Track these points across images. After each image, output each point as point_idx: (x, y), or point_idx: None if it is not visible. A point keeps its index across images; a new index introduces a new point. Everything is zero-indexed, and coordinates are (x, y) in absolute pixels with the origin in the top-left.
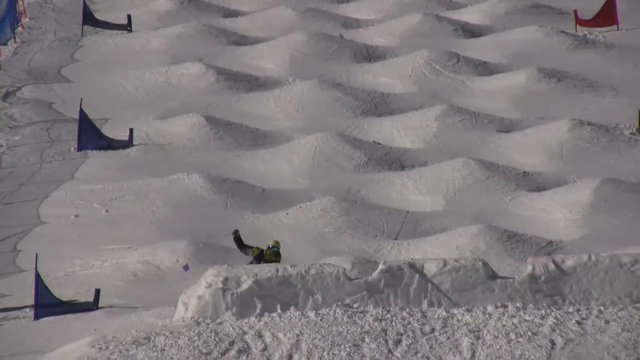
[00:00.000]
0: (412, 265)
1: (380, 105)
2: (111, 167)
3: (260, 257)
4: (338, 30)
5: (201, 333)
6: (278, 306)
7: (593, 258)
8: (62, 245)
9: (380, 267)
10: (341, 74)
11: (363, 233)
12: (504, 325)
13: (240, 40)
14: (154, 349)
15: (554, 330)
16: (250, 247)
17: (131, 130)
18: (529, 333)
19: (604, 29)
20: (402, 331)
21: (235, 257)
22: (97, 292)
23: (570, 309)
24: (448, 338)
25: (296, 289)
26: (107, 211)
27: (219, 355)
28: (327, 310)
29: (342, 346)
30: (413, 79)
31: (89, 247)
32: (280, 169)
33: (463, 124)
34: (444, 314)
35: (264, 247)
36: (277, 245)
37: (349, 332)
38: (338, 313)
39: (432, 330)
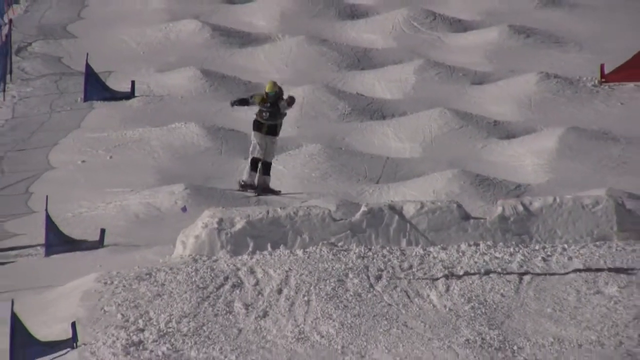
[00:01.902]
0: (392, 207)
1: (362, 59)
2: (115, 117)
3: (263, 101)
4: None
5: (198, 269)
6: (269, 245)
7: (558, 200)
8: (70, 188)
9: (363, 208)
10: (327, 31)
11: (347, 177)
12: (476, 262)
13: None
14: (155, 283)
15: (521, 266)
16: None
17: (133, 83)
18: (499, 269)
19: None
20: (382, 267)
21: (229, 200)
22: (102, 231)
23: (537, 247)
24: (425, 274)
25: (285, 229)
26: (111, 157)
27: (215, 290)
28: (313, 248)
29: (328, 281)
30: (393, 35)
31: (94, 190)
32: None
33: (439, 76)
34: (421, 251)
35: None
36: (272, 89)
37: (334, 268)
38: (324, 251)
39: (410, 267)
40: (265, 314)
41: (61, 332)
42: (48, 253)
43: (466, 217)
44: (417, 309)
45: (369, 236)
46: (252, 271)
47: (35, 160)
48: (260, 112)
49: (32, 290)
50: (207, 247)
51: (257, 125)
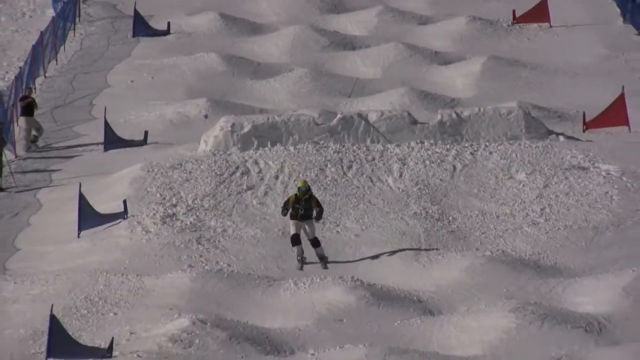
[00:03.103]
0: (360, 115)
1: (338, 6)
2: (155, 48)
3: (297, 199)
4: None
5: (216, 161)
6: (268, 143)
7: (481, 110)
8: (122, 101)
9: (338, 116)
10: None
11: (326, 93)
12: (421, 156)
13: None
14: (184, 171)
15: (455, 158)
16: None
17: (169, 23)
18: (439, 160)
19: None
20: (352, 159)
21: (239, 110)
22: (146, 133)
23: (466, 144)
24: (384, 164)
25: (281, 131)
26: (152, 78)
27: (229, 176)
28: (301, 145)
29: (312, 170)
30: None
31: (140, 102)
32: (270, 49)
33: (395, 19)
34: (381, 147)
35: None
36: (304, 185)
37: (317, 160)
38: (309, 147)
39: (373, 159)
40: (265, 194)
41: (115, 207)
42: (106, 149)
43: (414, 122)
44: (378, 190)
45: (343, 136)
46: (256, 162)
47: (96, 80)
48: (295, 210)
49: (94, 176)
50: (223, 145)
51: (293, 215)
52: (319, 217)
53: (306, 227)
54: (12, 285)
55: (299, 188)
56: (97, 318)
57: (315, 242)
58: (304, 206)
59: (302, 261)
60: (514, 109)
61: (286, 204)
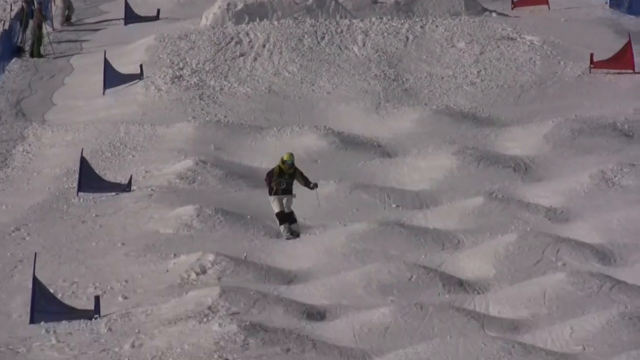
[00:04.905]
0: None
1: None
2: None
3: (282, 173)
4: None
5: (215, 33)
6: (257, 18)
7: None
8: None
9: None
10: None
11: None
12: (381, 29)
13: None
14: (189, 41)
15: (408, 30)
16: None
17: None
18: (394, 32)
19: None
20: (325, 32)
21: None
22: (158, 10)
23: (417, 19)
24: (351, 35)
25: (267, 8)
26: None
27: (225, 45)
28: (284, 20)
29: (292, 40)
30: None
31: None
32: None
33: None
34: (348, 22)
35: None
36: (290, 158)
37: (296, 32)
38: (290, 22)
39: (342, 31)
40: (255, 59)
41: (133, 70)
42: (126, 23)
43: (375, 1)
44: (346, 57)
45: (317, 13)
46: (247, 34)
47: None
48: (278, 183)
49: (116, 45)
50: (220, 20)
51: (274, 191)
52: (315, 185)
53: (284, 200)
54: (50, 133)
55: (284, 161)
56: (118, 160)
57: (293, 218)
58: (286, 180)
59: (291, 233)
60: None
61: (270, 175)
